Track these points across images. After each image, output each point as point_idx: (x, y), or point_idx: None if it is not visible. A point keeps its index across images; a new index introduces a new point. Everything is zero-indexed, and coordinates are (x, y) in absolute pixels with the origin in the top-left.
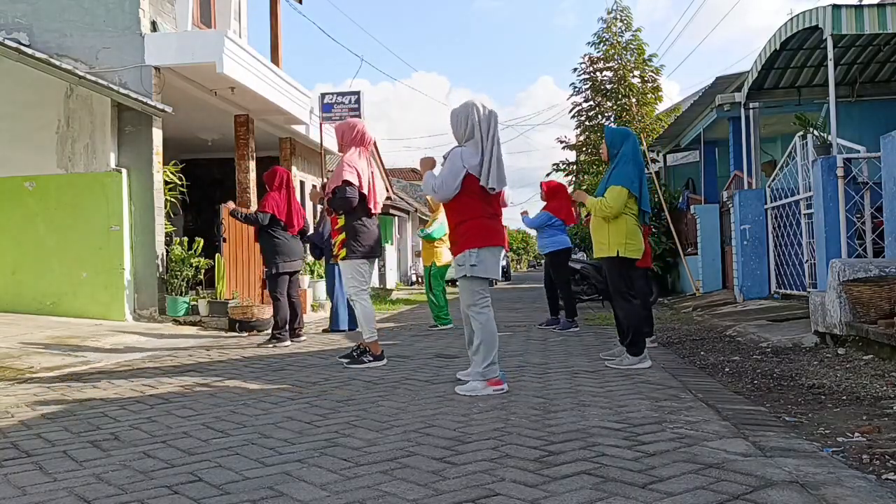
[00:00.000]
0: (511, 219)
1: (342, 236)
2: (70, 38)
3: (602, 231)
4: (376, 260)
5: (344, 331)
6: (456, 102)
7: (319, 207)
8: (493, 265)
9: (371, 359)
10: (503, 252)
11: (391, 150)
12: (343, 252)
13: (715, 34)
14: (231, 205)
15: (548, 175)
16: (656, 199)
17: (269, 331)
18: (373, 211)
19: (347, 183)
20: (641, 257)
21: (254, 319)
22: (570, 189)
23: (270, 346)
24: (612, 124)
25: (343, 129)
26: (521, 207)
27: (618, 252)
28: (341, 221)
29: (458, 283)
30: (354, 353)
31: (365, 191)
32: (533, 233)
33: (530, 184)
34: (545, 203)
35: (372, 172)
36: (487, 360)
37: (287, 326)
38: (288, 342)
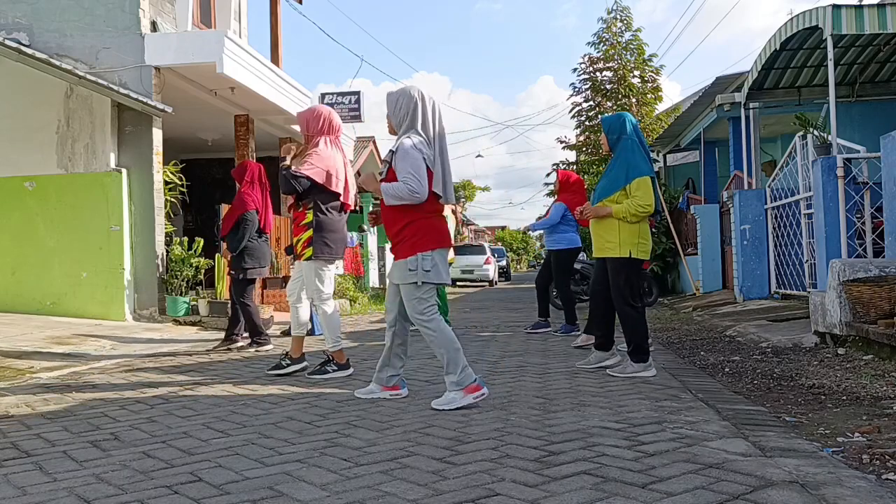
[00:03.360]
0: (510, 218)
1: (308, 234)
2: (70, 38)
3: (610, 229)
4: (341, 261)
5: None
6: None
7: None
8: (445, 269)
9: (335, 368)
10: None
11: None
12: (309, 251)
13: (715, 34)
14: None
15: (548, 175)
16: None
17: (247, 337)
18: (349, 207)
19: (307, 177)
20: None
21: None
22: None
23: (252, 350)
24: None
25: (306, 118)
26: (521, 207)
27: (630, 253)
28: (309, 217)
29: (402, 289)
30: (328, 367)
31: (339, 188)
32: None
33: (531, 184)
34: (557, 195)
35: (344, 164)
36: (458, 367)
37: (246, 331)
38: (270, 345)
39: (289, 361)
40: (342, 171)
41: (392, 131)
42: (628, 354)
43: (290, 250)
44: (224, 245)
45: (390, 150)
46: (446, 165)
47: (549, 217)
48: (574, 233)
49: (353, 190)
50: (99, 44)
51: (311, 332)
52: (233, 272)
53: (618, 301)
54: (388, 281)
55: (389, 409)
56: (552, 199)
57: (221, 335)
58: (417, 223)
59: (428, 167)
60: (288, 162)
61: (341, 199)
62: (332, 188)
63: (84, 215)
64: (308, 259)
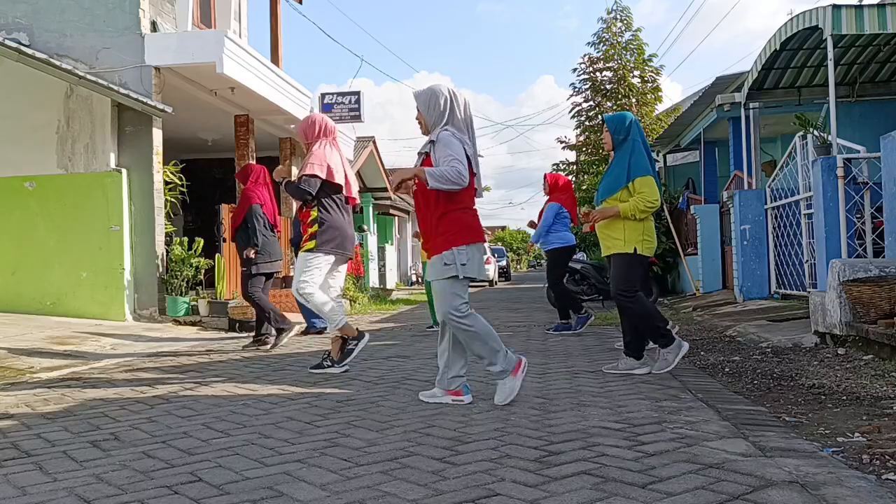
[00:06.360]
0: (511, 218)
1: (314, 228)
2: (70, 38)
3: (616, 227)
4: (345, 262)
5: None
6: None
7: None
8: (481, 264)
9: (354, 344)
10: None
11: (393, 149)
12: (311, 244)
13: (715, 35)
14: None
15: None
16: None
17: (259, 333)
18: (354, 201)
19: (312, 176)
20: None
21: (254, 319)
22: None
23: (282, 342)
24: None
25: (303, 129)
26: (521, 207)
27: (635, 249)
28: (314, 214)
29: (434, 286)
30: (325, 362)
31: (340, 181)
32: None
33: (531, 184)
34: (548, 197)
35: (342, 162)
36: (499, 354)
37: (273, 327)
38: (295, 328)
39: (330, 363)
40: (341, 166)
41: (426, 131)
42: (624, 348)
43: (295, 245)
44: (235, 243)
45: (429, 140)
46: (478, 160)
47: (543, 220)
48: (567, 231)
49: (354, 185)
50: (99, 44)
51: (310, 328)
52: (244, 268)
53: (615, 294)
54: (426, 283)
55: (389, 409)
56: (545, 200)
57: (222, 335)
58: (455, 214)
59: (468, 158)
60: (292, 178)
61: (344, 191)
62: (334, 180)
63: (84, 215)
64: (308, 251)
